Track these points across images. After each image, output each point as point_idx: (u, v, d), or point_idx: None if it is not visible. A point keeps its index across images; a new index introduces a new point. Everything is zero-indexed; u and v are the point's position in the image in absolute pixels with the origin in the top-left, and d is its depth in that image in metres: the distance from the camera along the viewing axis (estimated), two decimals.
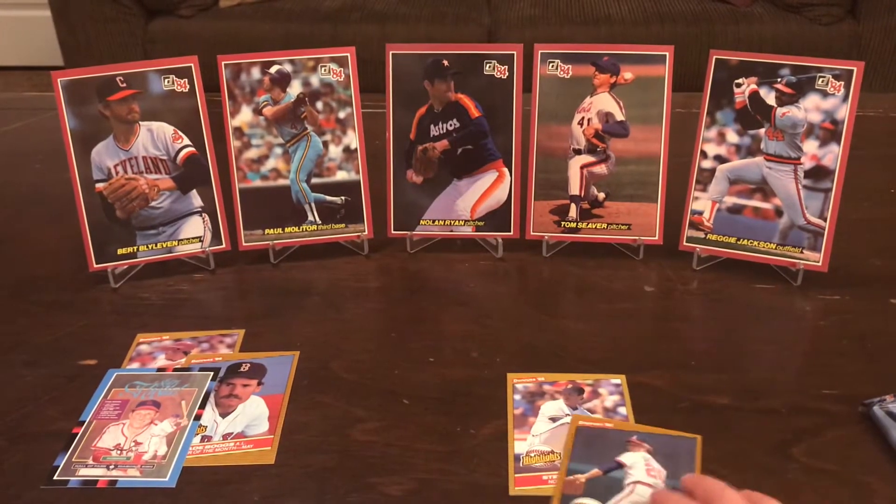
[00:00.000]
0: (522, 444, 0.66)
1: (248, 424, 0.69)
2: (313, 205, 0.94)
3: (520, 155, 0.93)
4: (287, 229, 0.94)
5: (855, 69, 0.83)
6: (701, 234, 0.91)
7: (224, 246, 0.93)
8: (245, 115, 0.92)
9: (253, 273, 0.93)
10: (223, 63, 0.90)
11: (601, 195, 0.94)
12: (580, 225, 0.94)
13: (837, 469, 0.63)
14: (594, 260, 0.93)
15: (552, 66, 0.91)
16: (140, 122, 0.89)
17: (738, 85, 0.87)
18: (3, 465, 0.65)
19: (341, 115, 0.93)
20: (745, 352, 0.78)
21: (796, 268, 0.87)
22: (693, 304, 0.86)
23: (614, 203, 0.93)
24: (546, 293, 0.90)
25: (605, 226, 0.94)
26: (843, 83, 0.84)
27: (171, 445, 0.67)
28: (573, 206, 0.94)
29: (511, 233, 0.95)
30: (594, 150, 0.93)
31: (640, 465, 0.62)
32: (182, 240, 0.92)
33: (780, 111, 0.86)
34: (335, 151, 0.94)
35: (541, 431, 0.68)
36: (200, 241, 0.93)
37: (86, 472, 0.64)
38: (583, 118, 0.92)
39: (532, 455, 0.66)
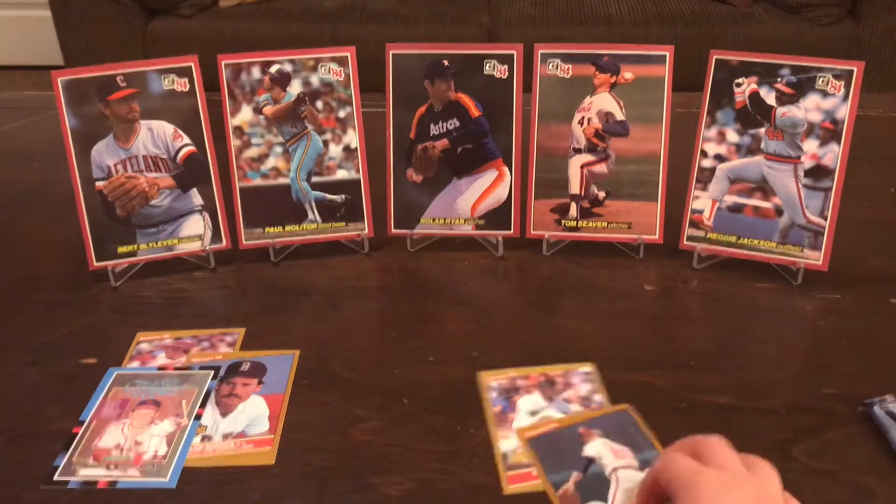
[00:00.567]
0: (507, 443, 0.67)
1: (248, 424, 0.69)
2: (313, 203, 0.94)
3: (520, 154, 0.93)
4: (287, 228, 0.94)
5: (855, 69, 0.83)
6: (701, 233, 0.91)
7: (224, 244, 0.93)
8: (245, 115, 0.92)
9: (253, 272, 0.93)
10: (223, 62, 0.90)
11: (601, 194, 0.94)
12: (580, 224, 0.94)
13: (837, 469, 0.63)
14: (594, 259, 0.93)
15: (552, 65, 0.91)
16: (140, 121, 0.89)
17: (739, 85, 0.87)
18: (2, 464, 0.65)
19: (341, 114, 0.93)
20: (745, 351, 0.78)
21: (796, 267, 0.87)
22: (693, 303, 0.86)
23: (614, 202, 0.94)
24: (546, 292, 0.90)
25: (605, 225, 0.94)
26: (843, 83, 0.84)
27: (171, 445, 0.67)
28: (573, 205, 0.94)
29: (511, 231, 0.95)
30: (594, 149, 0.93)
31: (606, 453, 0.64)
32: (182, 238, 0.92)
33: (780, 111, 0.86)
34: (335, 150, 0.94)
35: (523, 427, 0.68)
36: (201, 239, 0.93)
37: (86, 473, 0.64)
38: (583, 118, 0.92)
39: (519, 451, 0.66)
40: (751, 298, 0.86)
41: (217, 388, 0.73)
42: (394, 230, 0.96)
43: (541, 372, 0.75)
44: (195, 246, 0.92)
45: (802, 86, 0.85)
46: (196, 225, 0.92)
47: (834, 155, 0.85)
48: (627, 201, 0.93)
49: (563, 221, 0.94)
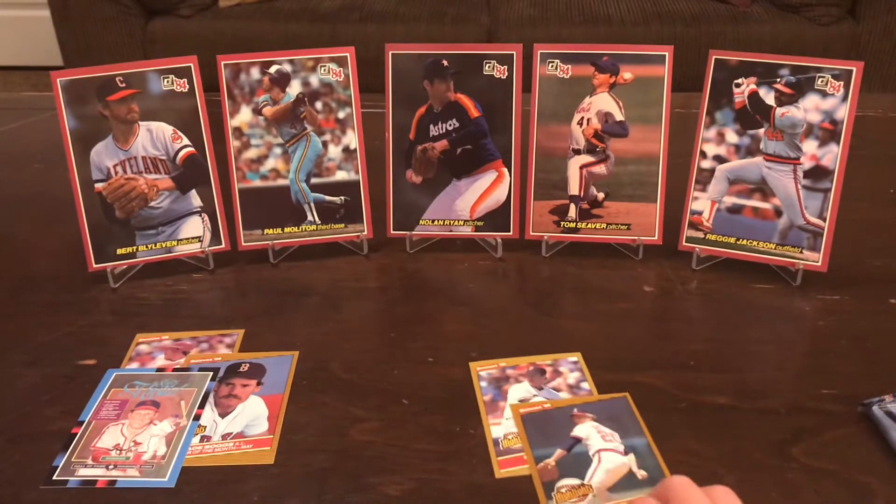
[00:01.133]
0: (498, 429, 0.68)
1: (247, 424, 0.69)
2: (313, 205, 0.94)
3: (519, 155, 0.93)
4: (286, 229, 0.94)
5: (854, 69, 0.83)
6: (700, 234, 0.91)
7: (223, 246, 0.93)
8: (244, 115, 0.92)
9: (252, 273, 0.93)
10: (222, 63, 0.90)
11: (600, 195, 0.94)
12: (579, 225, 0.94)
13: (837, 469, 0.63)
14: (593, 260, 0.94)
15: (552, 66, 0.91)
16: (139, 122, 0.89)
17: (738, 85, 0.87)
18: (2, 464, 0.65)
19: (341, 115, 0.93)
20: (745, 352, 0.78)
21: (795, 268, 0.87)
22: (692, 304, 0.86)
23: (614, 203, 0.94)
24: (545, 293, 0.90)
25: (604, 226, 0.94)
26: (842, 83, 0.84)
27: (170, 445, 0.67)
28: (572, 206, 0.94)
29: (510, 233, 0.95)
30: (594, 150, 0.93)
31: (594, 435, 0.66)
32: (181, 240, 0.92)
33: (779, 111, 0.86)
34: (334, 151, 0.94)
35: (517, 403, 0.71)
36: (200, 241, 0.93)
37: (85, 473, 0.64)
38: (582, 118, 0.92)
39: (510, 437, 0.67)
40: (750, 299, 0.86)
41: (216, 389, 0.73)
42: (393, 231, 0.96)
43: (530, 361, 0.76)
44: (194, 247, 0.92)
45: (802, 86, 0.85)
46: (195, 226, 0.92)
47: (833, 155, 0.85)
48: (626, 202, 0.93)
49: (562, 223, 0.94)
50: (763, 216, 0.89)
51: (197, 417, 0.70)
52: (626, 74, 0.90)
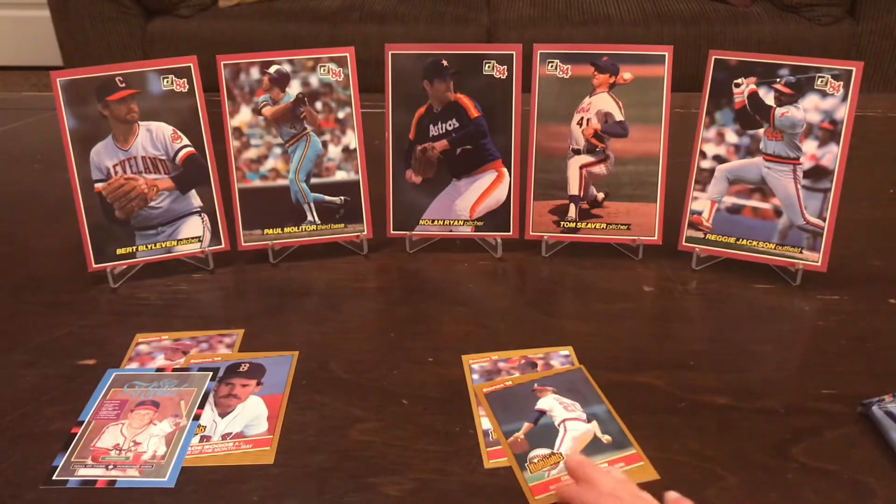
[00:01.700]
0: (488, 421, 0.69)
1: (247, 424, 0.69)
2: (312, 205, 0.94)
3: (519, 155, 0.93)
4: (286, 229, 0.94)
5: (854, 69, 0.83)
6: (700, 234, 0.91)
7: (223, 246, 0.93)
8: (244, 115, 0.92)
9: (252, 273, 0.93)
10: (222, 63, 0.90)
11: (600, 195, 0.94)
12: (579, 225, 0.94)
13: (836, 469, 0.63)
14: (593, 260, 0.93)
15: (551, 66, 0.91)
16: (139, 122, 0.89)
17: (738, 85, 0.87)
18: (2, 464, 0.65)
19: (340, 115, 0.93)
20: (745, 352, 0.78)
21: (795, 268, 0.87)
22: (692, 304, 0.86)
23: (613, 203, 0.94)
24: (545, 293, 0.90)
25: (604, 226, 0.94)
26: (842, 83, 0.84)
27: (170, 445, 0.67)
28: (572, 206, 0.94)
29: (510, 233, 0.95)
30: (593, 150, 0.93)
31: (556, 406, 0.70)
32: (181, 240, 0.92)
33: (779, 111, 0.86)
34: (334, 151, 0.94)
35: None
36: (199, 241, 0.93)
37: (85, 472, 0.64)
38: (582, 118, 0.92)
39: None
40: (750, 299, 0.86)
41: (216, 389, 0.73)
42: (393, 231, 0.96)
43: (521, 355, 0.76)
44: (194, 247, 0.92)
45: (801, 86, 0.85)
46: (195, 226, 0.92)
47: (833, 155, 0.85)
48: (626, 202, 0.93)
49: (561, 223, 0.94)
50: (763, 216, 0.89)
51: (197, 417, 0.70)
52: (626, 74, 0.90)
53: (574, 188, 0.94)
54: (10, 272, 0.93)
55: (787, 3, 2.34)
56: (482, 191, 0.94)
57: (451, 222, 0.96)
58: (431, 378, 0.74)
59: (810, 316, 0.84)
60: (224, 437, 0.68)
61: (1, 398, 0.73)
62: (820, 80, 0.84)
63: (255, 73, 0.91)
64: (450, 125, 0.93)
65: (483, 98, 0.92)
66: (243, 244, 0.94)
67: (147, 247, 0.91)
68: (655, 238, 0.93)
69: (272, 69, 0.91)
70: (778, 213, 0.88)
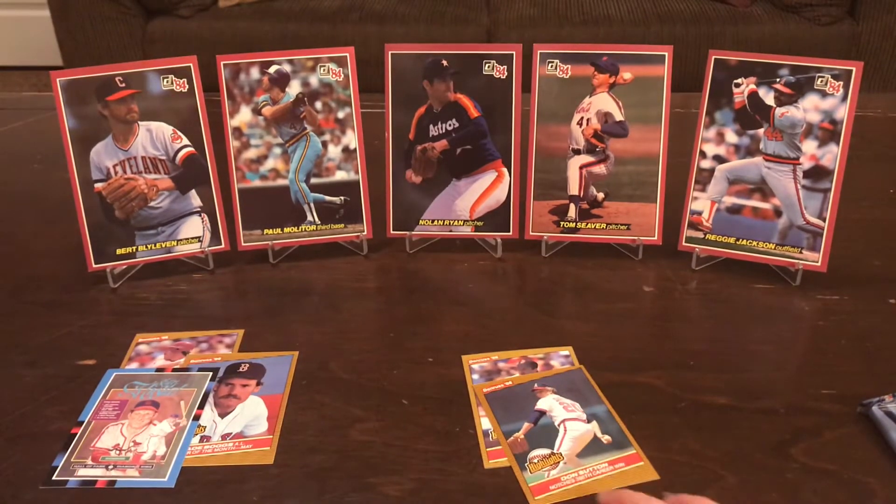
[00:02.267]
0: (488, 421, 0.69)
1: (246, 424, 0.69)
2: (312, 205, 0.94)
3: (519, 155, 0.93)
4: (286, 229, 0.94)
5: (854, 69, 0.83)
6: (700, 235, 0.91)
7: (223, 246, 0.93)
8: (244, 115, 0.92)
9: (252, 273, 0.93)
10: (222, 63, 0.90)
11: (600, 195, 0.94)
12: (579, 225, 0.94)
13: (836, 469, 0.63)
14: (593, 260, 0.93)
15: (551, 66, 0.91)
16: (139, 122, 0.89)
17: (738, 85, 0.87)
18: (2, 465, 0.65)
19: (340, 115, 0.93)
20: (744, 352, 0.78)
21: (795, 268, 0.87)
22: (692, 305, 0.86)
23: (613, 203, 0.94)
24: (545, 293, 0.90)
25: (604, 226, 0.94)
26: (841, 83, 0.84)
27: (170, 445, 0.67)
28: (572, 206, 0.94)
29: (510, 233, 0.95)
30: (593, 150, 0.93)
31: (556, 406, 0.70)
32: (181, 240, 0.92)
33: (778, 111, 0.86)
34: (334, 151, 0.94)
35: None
36: (199, 241, 0.93)
37: (84, 473, 0.64)
38: (582, 118, 0.92)
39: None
40: (750, 299, 0.86)
41: (216, 389, 0.73)
42: (393, 231, 0.96)
43: (521, 355, 0.77)
44: (194, 247, 0.92)
45: (801, 86, 0.85)
46: (195, 226, 0.92)
47: (833, 155, 0.85)
48: (626, 202, 0.93)
49: (561, 223, 0.94)
50: (763, 216, 0.89)
51: (196, 417, 0.70)
52: (626, 74, 0.90)
53: (574, 188, 0.94)
54: (10, 272, 0.94)
55: (787, 3, 2.34)
56: (482, 191, 0.94)
57: (451, 222, 0.96)
58: (431, 378, 0.74)
59: (810, 316, 0.84)
60: (224, 437, 0.68)
61: (1, 398, 0.73)
62: (820, 80, 0.84)
63: (255, 73, 0.91)
64: (450, 125, 0.93)
65: (483, 98, 0.92)
66: (243, 244, 0.94)
67: (147, 247, 0.91)
68: (655, 238, 0.93)
69: (272, 69, 0.91)
70: (778, 213, 0.88)
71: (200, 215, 0.92)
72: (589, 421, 0.68)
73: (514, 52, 0.91)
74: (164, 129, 0.90)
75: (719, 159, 0.90)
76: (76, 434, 0.68)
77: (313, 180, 0.94)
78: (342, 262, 0.94)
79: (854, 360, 0.76)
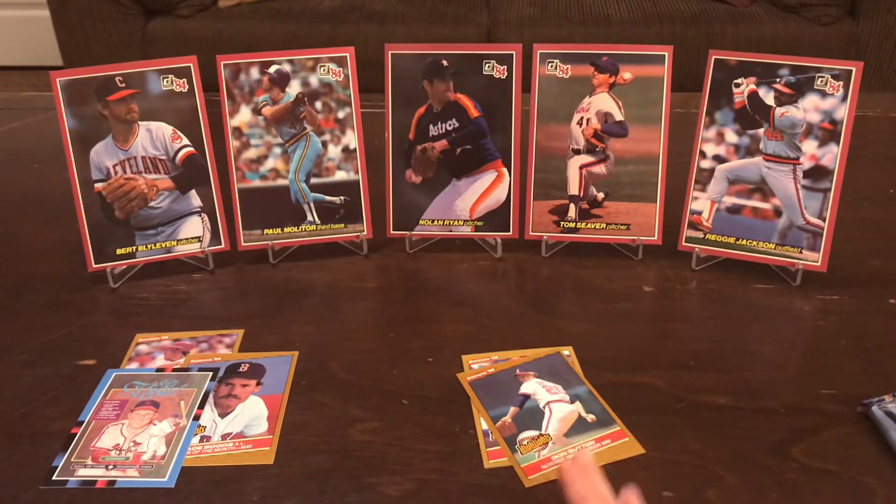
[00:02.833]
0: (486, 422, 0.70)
1: (247, 424, 0.69)
2: (312, 205, 0.94)
3: (519, 155, 0.93)
4: (286, 229, 0.94)
5: (854, 69, 0.83)
6: (700, 234, 0.91)
7: (223, 246, 0.93)
8: (244, 115, 0.92)
9: (252, 273, 0.93)
10: (222, 63, 0.90)
11: (600, 195, 0.94)
12: (579, 225, 0.94)
13: (836, 469, 0.63)
14: (593, 260, 0.93)
15: (551, 66, 0.91)
16: (139, 122, 0.89)
17: (737, 85, 0.87)
18: (1, 464, 0.65)
19: (340, 114, 0.93)
20: (744, 352, 0.78)
21: (795, 268, 0.87)
22: (692, 304, 0.86)
23: (613, 203, 0.94)
24: (545, 293, 0.90)
25: (603, 226, 0.94)
26: (841, 83, 0.84)
27: (170, 445, 0.67)
28: (572, 206, 0.94)
29: (510, 233, 0.95)
30: (593, 150, 0.93)
31: (540, 389, 0.72)
32: (181, 240, 0.92)
33: (778, 111, 0.86)
34: (334, 151, 0.94)
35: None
36: (199, 241, 0.93)
37: (84, 473, 0.64)
38: (582, 118, 0.92)
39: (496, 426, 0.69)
40: (750, 299, 0.86)
41: (216, 389, 0.73)
42: (393, 231, 0.96)
43: (521, 355, 0.77)
44: (194, 247, 0.92)
45: (801, 86, 0.85)
46: (195, 226, 0.92)
47: (833, 155, 0.85)
48: (626, 202, 0.93)
49: (561, 223, 0.94)
50: (763, 216, 0.89)
51: (196, 417, 0.70)
52: (626, 74, 0.90)
53: (574, 188, 0.94)
54: (10, 272, 0.93)
55: (787, 3, 2.34)
56: (482, 191, 0.94)
57: (451, 222, 0.96)
58: (431, 378, 0.74)
59: (810, 316, 0.84)
60: (224, 437, 0.68)
61: (1, 398, 0.73)
62: (820, 80, 0.84)
63: (254, 73, 0.91)
64: (450, 125, 0.93)
65: (483, 98, 0.92)
66: (243, 244, 0.94)
67: (147, 247, 0.91)
68: (655, 238, 0.93)
69: (272, 69, 0.91)
70: (778, 213, 0.88)
71: (200, 215, 0.92)
72: (572, 402, 0.70)
73: (514, 52, 0.91)
74: (164, 129, 0.90)
75: (719, 159, 0.90)
76: (76, 434, 0.68)
77: (313, 180, 0.94)
78: (342, 261, 0.94)
79: (854, 360, 0.76)
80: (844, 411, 0.69)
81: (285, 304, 0.87)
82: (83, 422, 0.69)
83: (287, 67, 0.91)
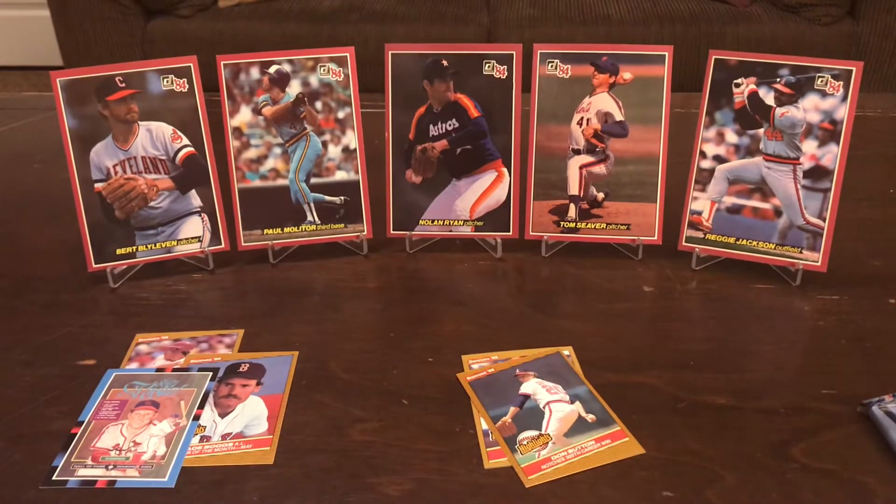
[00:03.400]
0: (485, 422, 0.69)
1: (246, 424, 0.69)
2: (312, 205, 0.94)
3: (519, 155, 0.93)
4: (286, 229, 0.94)
5: (854, 69, 0.83)
6: (700, 234, 0.91)
7: (223, 246, 0.93)
8: (244, 115, 0.92)
9: (252, 273, 0.93)
10: (222, 63, 0.90)
11: (600, 195, 0.94)
12: (579, 225, 0.94)
13: (836, 469, 0.63)
14: (593, 260, 0.93)
15: (551, 66, 0.91)
16: (139, 122, 0.89)
17: (738, 85, 0.87)
18: (1, 465, 0.65)
19: (340, 115, 0.93)
20: (744, 352, 0.78)
21: (795, 268, 0.87)
22: (692, 304, 0.86)
23: (613, 203, 0.94)
24: (545, 293, 0.90)
25: (604, 226, 0.94)
26: (841, 83, 0.84)
27: (169, 445, 0.67)
28: (572, 206, 0.94)
29: (510, 233, 0.95)
30: (593, 150, 0.93)
31: (539, 389, 0.72)
32: (181, 240, 0.92)
33: (779, 111, 0.86)
34: (334, 151, 0.94)
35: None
36: (199, 241, 0.93)
37: (85, 473, 0.64)
38: (582, 118, 0.92)
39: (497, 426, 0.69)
40: (750, 299, 0.86)
41: (215, 389, 0.73)
42: (393, 231, 0.96)
43: (521, 354, 0.77)
44: (194, 247, 0.92)
45: (801, 86, 0.85)
46: (195, 226, 0.92)
47: (833, 155, 0.85)
48: (626, 202, 0.93)
49: (561, 223, 0.94)
50: (763, 216, 0.89)
51: (196, 417, 0.70)
52: (626, 74, 0.90)
53: (574, 188, 0.94)
54: (10, 272, 0.93)
55: (787, 3, 2.34)
56: (482, 191, 0.94)
57: (451, 222, 0.96)
58: (431, 378, 0.74)
59: (810, 316, 0.84)
60: (224, 437, 0.68)
61: (1, 398, 0.73)
62: (820, 80, 0.84)
63: (255, 73, 0.91)
64: (450, 125, 0.93)
65: (483, 98, 0.92)
66: (243, 244, 0.94)
67: (147, 247, 0.91)
68: (655, 238, 0.93)
69: (272, 69, 0.91)
70: (778, 213, 0.88)
71: (200, 215, 0.92)
72: (572, 402, 0.70)
73: (514, 52, 0.91)
74: (164, 129, 0.90)
75: (719, 159, 0.90)
76: (76, 434, 0.68)
77: (313, 180, 0.94)
78: (342, 261, 0.94)
79: (854, 360, 0.76)
80: (844, 411, 0.69)
81: (285, 304, 0.87)
82: (83, 422, 0.69)
83: (287, 67, 0.91)
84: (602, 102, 0.91)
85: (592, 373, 0.74)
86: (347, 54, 0.92)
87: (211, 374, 0.75)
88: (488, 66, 0.92)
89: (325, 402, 0.72)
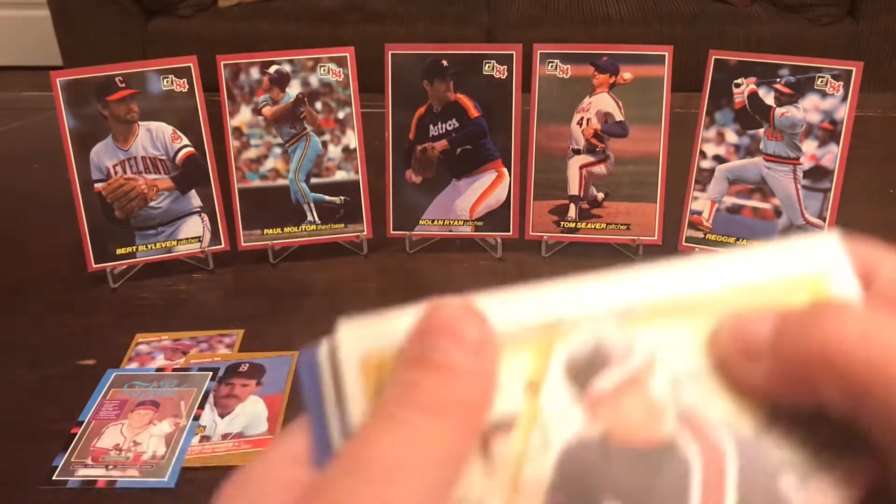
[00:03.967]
0: None
1: (247, 424, 0.69)
2: (312, 205, 0.94)
3: (519, 155, 0.93)
4: (286, 229, 0.94)
5: (854, 69, 0.83)
6: (700, 234, 0.91)
7: (223, 246, 0.93)
8: (244, 115, 0.92)
9: (252, 273, 0.93)
10: (222, 63, 0.90)
11: (600, 195, 0.94)
12: (579, 225, 0.94)
13: None
14: (593, 260, 0.93)
15: (551, 66, 0.91)
16: (139, 122, 0.89)
17: (738, 85, 0.87)
18: (1, 465, 0.65)
19: (340, 115, 0.93)
20: None
21: None
22: None
23: (613, 203, 0.94)
24: None
25: (604, 226, 0.94)
26: (842, 83, 0.84)
27: (169, 445, 0.67)
28: (572, 206, 0.94)
29: (510, 233, 0.95)
30: (593, 150, 0.93)
31: None
32: (181, 240, 0.92)
33: (779, 111, 0.86)
34: (334, 151, 0.94)
35: None
36: (199, 241, 0.93)
37: (85, 473, 0.64)
38: (582, 118, 0.92)
39: None
40: None
41: (216, 389, 0.73)
42: (393, 231, 0.96)
43: None
44: (194, 247, 0.92)
45: (801, 86, 0.85)
46: (195, 226, 0.92)
47: (833, 156, 0.85)
48: (626, 202, 0.93)
49: (561, 223, 0.94)
50: (763, 216, 0.89)
51: (196, 417, 0.70)
52: (626, 74, 0.90)
53: (574, 188, 0.94)
54: (9, 272, 0.93)
55: (787, 3, 2.34)
56: (482, 191, 0.94)
57: (451, 222, 0.96)
58: None
59: None
60: (224, 437, 0.68)
61: (1, 398, 0.73)
62: (820, 80, 0.84)
63: (255, 73, 0.91)
64: (450, 125, 0.93)
65: (483, 98, 0.92)
66: (243, 244, 0.94)
67: (147, 247, 0.91)
68: (655, 238, 0.93)
69: (272, 69, 0.91)
70: (778, 213, 0.88)
71: (200, 215, 0.92)
72: None
73: (514, 52, 0.91)
74: (164, 129, 0.90)
75: (719, 159, 0.90)
76: (76, 434, 0.68)
77: (313, 180, 0.94)
78: (342, 261, 0.94)
79: None
80: None
81: (285, 304, 0.87)
82: (83, 422, 0.69)
83: (287, 67, 0.91)
84: (602, 102, 0.91)
85: None
86: (347, 54, 0.92)
87: (211, 374, 0.75)
88: (488, 66, 0.92)
89: None
